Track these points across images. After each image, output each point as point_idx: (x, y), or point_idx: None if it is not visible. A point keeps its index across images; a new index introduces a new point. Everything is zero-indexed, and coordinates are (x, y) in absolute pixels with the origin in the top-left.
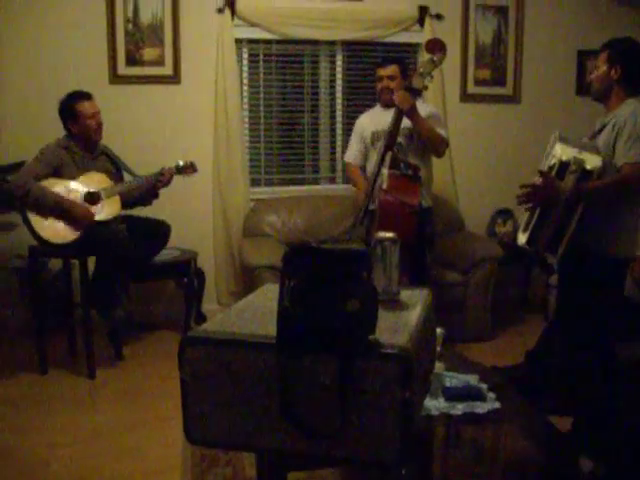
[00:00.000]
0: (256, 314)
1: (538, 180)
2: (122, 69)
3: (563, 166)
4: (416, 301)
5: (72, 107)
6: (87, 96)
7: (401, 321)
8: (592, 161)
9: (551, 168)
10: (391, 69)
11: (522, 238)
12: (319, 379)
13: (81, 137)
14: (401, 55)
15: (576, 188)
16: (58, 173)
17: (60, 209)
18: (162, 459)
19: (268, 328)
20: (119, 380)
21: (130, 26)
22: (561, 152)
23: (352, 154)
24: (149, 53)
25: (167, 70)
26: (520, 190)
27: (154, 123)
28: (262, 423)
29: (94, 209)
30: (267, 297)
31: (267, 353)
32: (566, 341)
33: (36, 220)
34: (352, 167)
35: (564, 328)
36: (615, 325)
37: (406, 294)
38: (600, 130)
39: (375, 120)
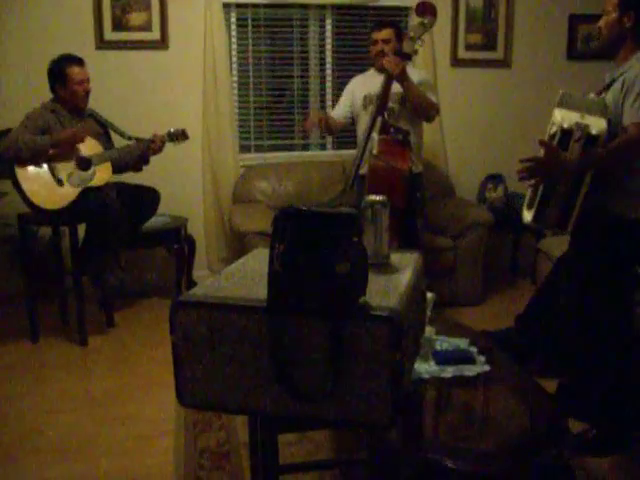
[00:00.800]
0: (246, 278)
1: (540, 153)
2: (109, 34)
3: (566, 134)
4: (406, 264)
5: (62, 70)
6: (79, 61)
7: (391, 284)
8: (597, 125)
9: (552, 137)
10: (386, 32)
11: (527, 216)
12: (310, 342)
13: (67, 101)
14: (392, 19)
15: (583, 158)
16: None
17: (58, 144)
18: (155, 424)
19: (259, 292)
20: (111, 347)
21: None
22: (561, 118)
23: (337, 112)
24: (136, 18)
25: (154, 35)
26: (520, 165)
27: (142, 89)
28: (253, 386)
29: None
30: (257, 261)
31: (258, 316)
32: (576, 311)
33: (28, 186)
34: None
35: (574, 297)
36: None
37: (396, 257)
38: (609, 85)
39: (367, 84)
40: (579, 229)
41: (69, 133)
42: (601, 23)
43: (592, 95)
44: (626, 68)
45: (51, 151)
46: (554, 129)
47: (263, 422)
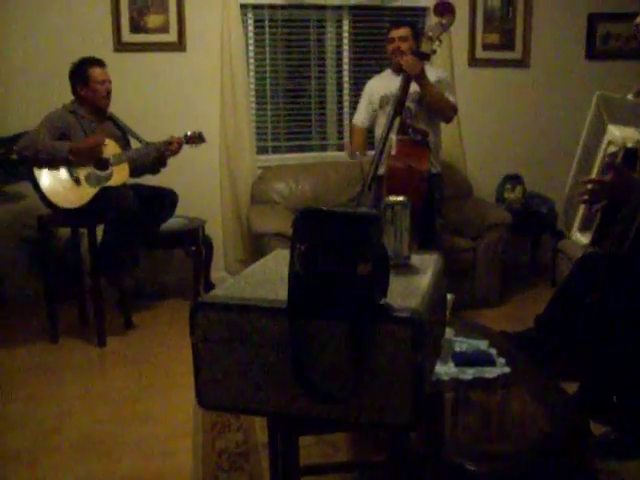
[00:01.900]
0: (266, 279)
1: (607, 176)
2: (126, 36)
3: (629, 153)
4: (427, 266)
5: (84, 71)
6: (100, 63)
7: (412, 285)
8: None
9: (612, 156)
10: (403, 30)
11: (582, 239)
12: (331, 343)
13: (88, 102)
14: (410, 19)
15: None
16: (66, 138)
17: (75, 152)
18: (173, 425)
19: (279, 293)
20: (129, 348)
21: None
22: (620, 135)
23: (359, 117)
24: (153, 20)
25: (172, 37)
26: (583, 186)
27: (159, 91)
28: (274, 387)
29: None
30: (277, 262)
31: (279, 318)
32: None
33: (46, 185)
34: (357, 129)
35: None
36: None
37: (417, 259)
38: None
39: (385, 84)
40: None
41: (89, 143)
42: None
43: (630, 96)
44: None
45: (70, 157)
46: (613, 148)
47: (284, 424)
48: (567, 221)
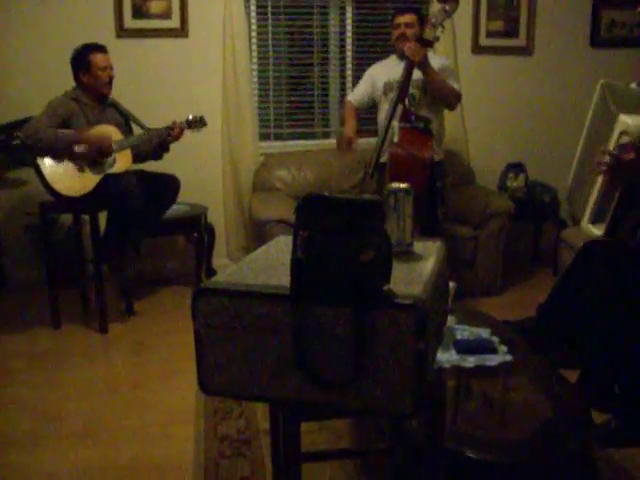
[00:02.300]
0: (269, 266)
1: (626, 155)
2: (128, 22)
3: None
4: (430, 253)
5: (86, 57)
6: (102, 49)
7: (415, 272)
8: None
9: (623, 148)
10: (409, 16)
11: (594, 230)
12: (333, 329)
13: (90, 88)
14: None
15: None
16: (68, 125)
17: (76, 145)
18: (175, 412)
19: (281, 279)
20: (131, 334)
21: None
22: (632, 124)
23: (355, 94)
24: (156, 6)
25: (174, 23)
26: (599, 156)
27: (162, 77)
28: (276, 373)
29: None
30: (279, 249)
31: (281, 304)
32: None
33: (49, 173)
34: (349, 105)
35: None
36: None
37: (419, 246)
38: None
39: (388, 70)
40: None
41: (93, 139)
42: None
43: (634, 85)
44: None
45: (79, 148)
46: (626, 138)
47: (285, 410)
48: (574, 211)
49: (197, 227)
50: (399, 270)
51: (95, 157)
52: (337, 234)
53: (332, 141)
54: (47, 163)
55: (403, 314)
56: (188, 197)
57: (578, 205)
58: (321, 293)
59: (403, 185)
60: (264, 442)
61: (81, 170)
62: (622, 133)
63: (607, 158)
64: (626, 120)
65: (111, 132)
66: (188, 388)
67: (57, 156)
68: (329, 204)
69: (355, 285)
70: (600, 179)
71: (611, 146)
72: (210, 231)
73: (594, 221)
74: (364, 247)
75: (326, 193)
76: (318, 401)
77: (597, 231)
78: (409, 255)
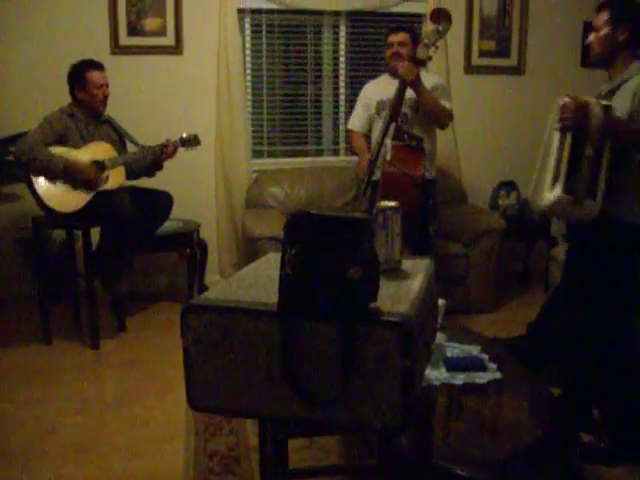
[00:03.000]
0: (258, 282)
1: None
2: (124, 39)
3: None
4: (418, 271)
5: (82, 74)
6: (99, 66)
7: (403, 290)
8: (607, 102)
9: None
10: (402, 35)
11: (551, 194)
12: (321, 346)
13: (86, 105)
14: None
15: (605, 115)
16: (63, 141)
17: (68, 173)
18: (166, 428)
19: (270, 296)
20: (123, 350)
21: None
22: (571, 96)
23: (356, 122)
24: (151, 23)
25: (169, 40)
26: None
27: (156, 94)
28: (264, 390)
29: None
30: (269, 266)
31: (269, 320)
32: (573, 314)
33: (42, 189)
34: (356, 135)
35: (571, 299)
36: (631, 298)
37: (408, 264)
38: (609, 94)
39: (381, 89)
40: (578, 234)
41: (88, 175)
42: (592, 39)
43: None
44: (625, 77)
45: (71, 175)
46: (565, 100)
47: (273, 426)
48: (534, 203)
49: (190, 243)
50: (387, 287)
51: (87, 182)
52: (325, 251)
53: (325, 158)
54: (40, 179)
55: (389, 331)
56: (181, 213)
57: (540, 187)
58: (309, 309)
59: (392, 203)
60: (254, 459)
61: (74, 187)
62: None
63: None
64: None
65: (105, 149)
66: (179, 404)
67: (49, 177)
68: (317, 221)
69: (342, 302)
70: (555, 142)
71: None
72: (203, 247)
73: (551, 186)
74: (351, 264)
75: (314, 211)
76: (306, 417)
77: (553, 193)
78: (397, 272)
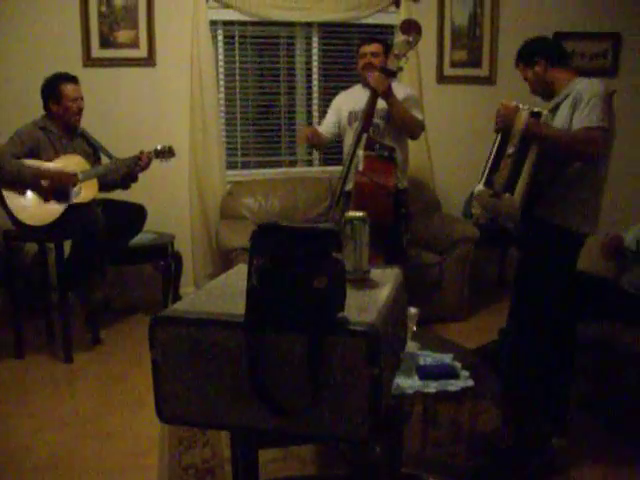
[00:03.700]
0: (227, 294)
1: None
2: (96, 51)
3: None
4: (386, 280)
5: (56, 87)
6: (73, 79)
7: (370, 299)
8: (539, 109)
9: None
10: (375, 46)
11: (479, 186)
12: (288, 357)
13: (60, 119)
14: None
15: (530, 119)
16: (35, 154)
17: (38, 180)
18: (141, 441)
19: (238, 307)
20: (97, 364)
21: (104, 8)
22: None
23: (323, 125)
24: (123, 35)
25: (142, 52)
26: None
27: (129, 106)
28: (233, 401)
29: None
30: (239, 277)
31: (236, 332)
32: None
33: (13, 202)
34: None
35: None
36: (567, 300)
37: (377, 273)
38: (555, 108)
39: (353, 100)
40: (524, 241)
41: (61, 177)
42: (531, 89)
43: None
44: (568, 91)
45: (42, 182)
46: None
47: (243, 437)
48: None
49: (164, 255)
50: (354, 297)
51: (58, 190)
52: (291, 262)
53: (299, 169)
54: (10, 192)
55: (356, 341)
56: (155, 225)
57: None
58: (275, 320)
59: (360, 213)
60: (228, 471)
61: (45, 200)
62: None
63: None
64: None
65: (77, 162)
66: (154, 418)
67: (20, 188)
68: (283, 232)
69: (309, 312)
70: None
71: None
72: (177, 259)
73: (480, 179)
74: (317, 275)
75: (281, 221)
76: (275, 428)
77: (477, 187)
78: (365, 282)
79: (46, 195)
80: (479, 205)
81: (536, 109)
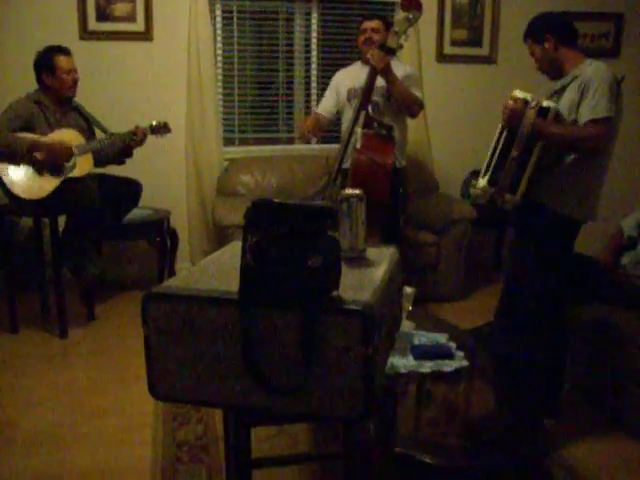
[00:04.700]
0: (221, 271)
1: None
2: (92, 24)
3: (524, 103)
4: (382, 259)
5: (50, 59)
6: (66, 51)
7: (365, 278)
8: (548, 102)
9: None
10: (376, 23)
11: (482, 182)
12: (282, 335)
13: (54, 91)
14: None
15: (536, 120)
16: (29, 128)
17: (33, 152)
18: (134, 417)
19: (232, 284)
20: (91, 339)
21: None
22: (519, 95)
23: (323, 105)
24: (120, 8)
25: (139, 26)
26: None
27: (125, 81)
28: (226, 379)
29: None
30: (233, 254)
31: (230, 309)
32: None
33: (7, 176)
34: (313, 114)
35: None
36: (564, 285)
37: (372, 252)
38: (561, 90)
39: (352, 77)
40: (520, 223)
41: (52, 147)
42: (537, 65)
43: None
44: (577, 73)
45: (29, 155)
46: (511, 102)
47: (236, 415)
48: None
49: (160, 231)
50: (349, 276)
51: (53, 163)
52: (285, 239)
53: (297, 147)
54: (4, 166)
55: (351, 320)
56: (151, 201)
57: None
58: (269, 298)
59: (356, 191)
60: (221, 448)
61: (40, 174)
62: (510, 98)
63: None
64: (515, 91)
65: (72, 136)
66: (147, 393)
67: (14, 161)
68: (278, 210)
69: (303, 290)
70: (494, 141)
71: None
72: (173, 236)
73: (484, 175)
74: (312, 253)
75: (276, 199)
76: (268, 406)
77: (482, 182)
78: (361, 261)
79: (41, 168)
80: (478, 197)
81: (545, 103)
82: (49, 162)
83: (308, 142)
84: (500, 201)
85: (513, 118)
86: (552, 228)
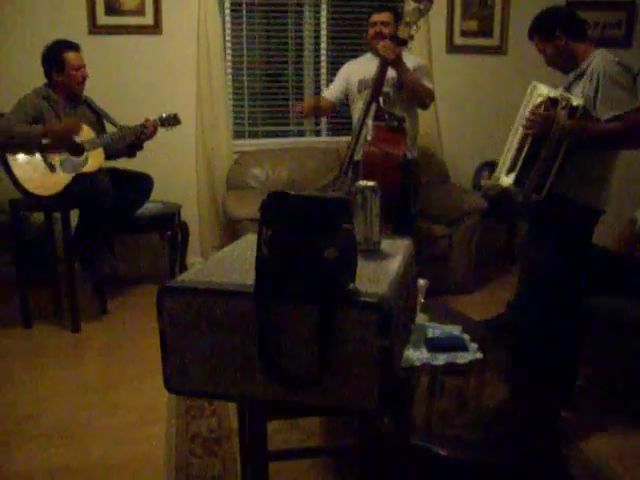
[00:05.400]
0: (235, 264)
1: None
2: (101, 19)
3: (552, 102)
4: (397, 251)
5: (59, 55)
6: (75, 47)
7: (381, 270)
8: (576, 99)
9: (538, 107)
10: (386, 15)
11: (506, 180)
12: (297, 327)
13: (63, 87)
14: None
15: (571, 122)
16: (39, 123)
17: (48, 136)
18: (148, 411)
19: (247, 277)
20: (104, 334)
21: None
22: (547, 91)
23: (329, 90)
24: (129, 2)
25: (148, 20)
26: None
27: (135, 75)
28: (241, 372)
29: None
30: (247, 247)
31: (245, 302)
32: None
33: (20, 171)
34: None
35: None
36: (582, 275)
37: (387, 244)
38: (575, 79)
39: (363, 68)
40: (538, 215)
41: (63, 127)
42: (546, 62)
43: (561, 89)
44: (589, 61)
45: (44, 141)
46: (540, 99)
47: (251, 408)
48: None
49: (171, 225)
50: (365, 268)
51: (67, 145)
52: (300, 232)
53: (307, 139)
54: (17, 161)
55: (367, 312)
56: (162, 195)
57: (502, 162)
58: (285, 291)
59: (371, 183)
60: (235, 441)
61: (52, 169)
62: (539, 95)
63: (528, 115)
64: (540, 86)
65: (83, 130)
66: (160, 387)
67: (29, 151)
68: (293, 202)
69: (319, 283)
70: (519, 133)
71: (528, 107)
72: (184, 229)
73: (508, 172)
74: (327, 245)
75: (291, 191)
76: (284, 399)
77: (507, 180)
78: (376, 253)
79: (57, 152)
80: (489, 189)
81: (575, 103)
82: (64, 139)
83: (300, 116)
84: (524, 198)
85: (544, 126)
86: (573, 219)
